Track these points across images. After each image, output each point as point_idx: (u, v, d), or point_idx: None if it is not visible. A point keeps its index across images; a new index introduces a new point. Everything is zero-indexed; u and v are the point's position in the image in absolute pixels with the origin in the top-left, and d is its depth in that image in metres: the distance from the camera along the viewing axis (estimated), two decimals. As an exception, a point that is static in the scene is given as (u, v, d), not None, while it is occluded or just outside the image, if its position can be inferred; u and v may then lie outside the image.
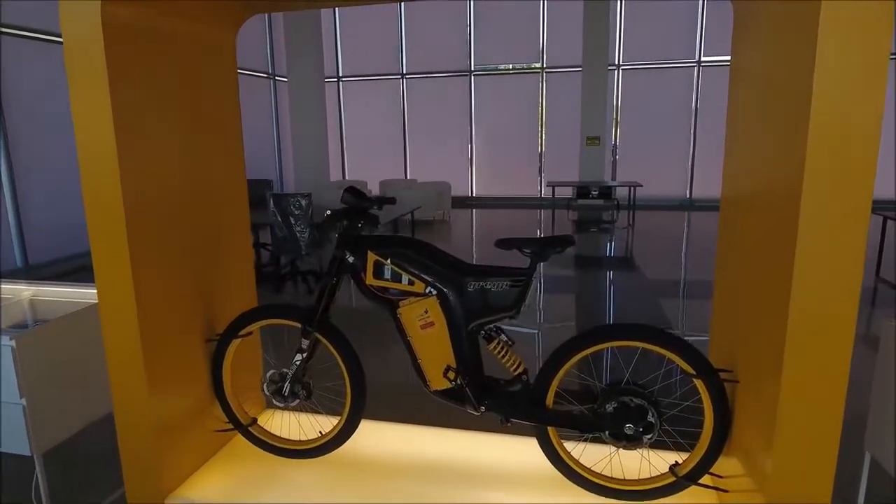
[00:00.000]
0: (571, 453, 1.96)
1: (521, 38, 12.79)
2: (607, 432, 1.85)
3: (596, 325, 1.89)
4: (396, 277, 1.97)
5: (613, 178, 12.56)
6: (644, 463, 2.01)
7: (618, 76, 12.56)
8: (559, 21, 12.48)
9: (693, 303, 5.40)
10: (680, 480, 1.84)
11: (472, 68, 13.13)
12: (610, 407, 1.84)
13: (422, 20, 13.22)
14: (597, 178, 11.92)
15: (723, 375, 1.78)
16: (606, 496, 1.92)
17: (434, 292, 1.94)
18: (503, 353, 1.94)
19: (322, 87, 12.70)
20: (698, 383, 1.79)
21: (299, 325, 2.09)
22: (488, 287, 1.90)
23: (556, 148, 12.99)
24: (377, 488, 2.05)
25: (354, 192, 2.01)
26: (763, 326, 1.55)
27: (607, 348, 1.85)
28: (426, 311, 1.94)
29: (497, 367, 2.02)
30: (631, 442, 1.83)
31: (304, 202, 5.81)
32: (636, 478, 1.92)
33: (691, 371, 1.78)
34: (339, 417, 2.14)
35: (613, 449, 1.90)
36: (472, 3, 12.77)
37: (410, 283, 1.96)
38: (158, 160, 1.96)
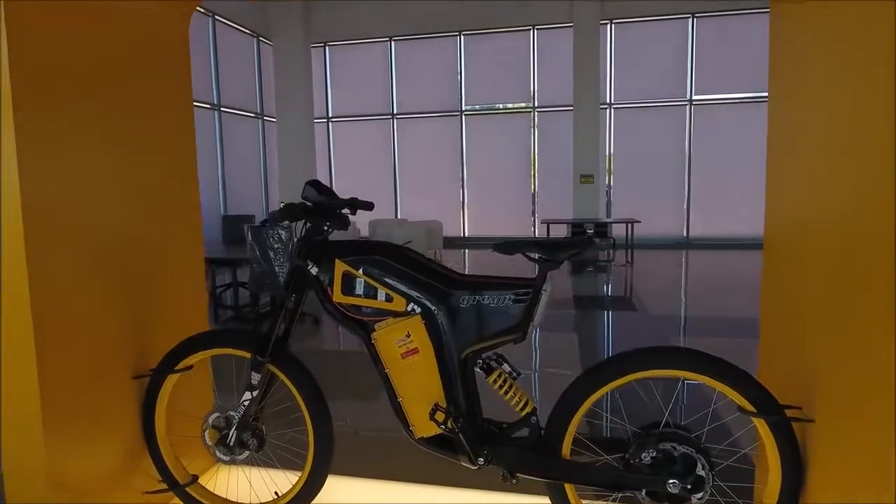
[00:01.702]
0: (596, 519, 1.55)
1: (512, 78, 12.77)
2: (644, 491, 1.45)
3: (624, 351, 1.49)
4: (371, 292, 1.58)
5: (608, 217, 12.34)
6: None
7: (610, 115, 12.51)
8: (550, 60, 12.49)
9: (710, 340, 4.99)
10: (741, 555, 1.42)
11: (463, 108, 13.06)
12: (646, 457, 1.45)
13: (412, 61, 13.22)
14: (591, 216, 11.68)
15: (790, 413, 1.38)
16: (644, 576, 1.49)
17: (418, 310, 1.55)
18: (506, 388, 1.55)
19: (311, 127, 12.58)
20: (759, 424, 1.41)
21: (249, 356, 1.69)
22: (486, 303, 1.52)
23: (549, 187, 12.82)
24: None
25: (319, 187, 1.64)
26: (852, 356, 1.19)
27: (638, 380, 1.46)
28: (408, 335, 1.55)
29: (498, 407, 1.62)
30: (676, 503, 1.41)
31: (284, 235, 5.44)
32: (682, 551, 1.50)
33: (751, 408, 1.39)
34: (299, 473, 1.76)
35: (652, 513, 1.48)
36: (462, 43, 12.82)
37: (388, 299, 1.57)
38: (74, 161, 1.61)
